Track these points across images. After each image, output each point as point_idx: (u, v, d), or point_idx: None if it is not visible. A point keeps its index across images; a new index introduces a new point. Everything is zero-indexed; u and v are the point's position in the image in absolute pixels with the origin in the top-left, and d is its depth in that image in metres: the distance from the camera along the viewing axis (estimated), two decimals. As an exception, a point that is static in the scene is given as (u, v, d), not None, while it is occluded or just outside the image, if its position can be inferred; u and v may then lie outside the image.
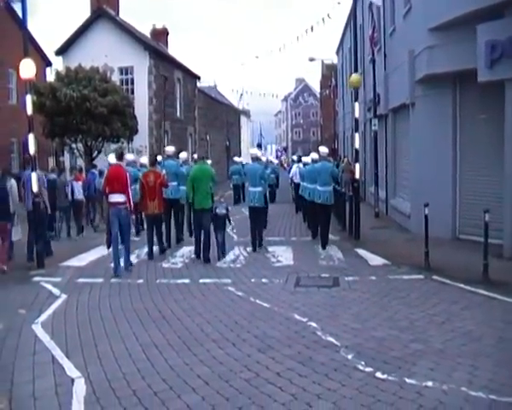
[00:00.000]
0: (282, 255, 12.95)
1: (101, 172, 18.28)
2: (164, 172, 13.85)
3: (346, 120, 37.33)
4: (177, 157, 16.74)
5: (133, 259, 12.76)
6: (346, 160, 30.67)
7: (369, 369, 5.93)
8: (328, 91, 51.29)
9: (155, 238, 13.50)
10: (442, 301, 8.80)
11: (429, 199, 13.57)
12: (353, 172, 26.10)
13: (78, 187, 17.34)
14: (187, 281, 10.46)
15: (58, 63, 29.25)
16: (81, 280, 10.75)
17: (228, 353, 6.50)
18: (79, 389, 5.58)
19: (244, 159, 36.82)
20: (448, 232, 14.36)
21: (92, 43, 28.77)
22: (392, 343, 6.77)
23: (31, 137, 11.87)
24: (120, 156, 12.39)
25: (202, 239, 12.65)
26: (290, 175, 25.04)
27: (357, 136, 15.54)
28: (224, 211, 13.16)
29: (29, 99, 11.93)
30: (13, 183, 12.58)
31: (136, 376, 5.86)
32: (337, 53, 44.31)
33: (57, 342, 7.01)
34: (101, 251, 13.90)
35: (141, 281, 10.56)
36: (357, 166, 15.49)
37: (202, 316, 8.05)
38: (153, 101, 29.79)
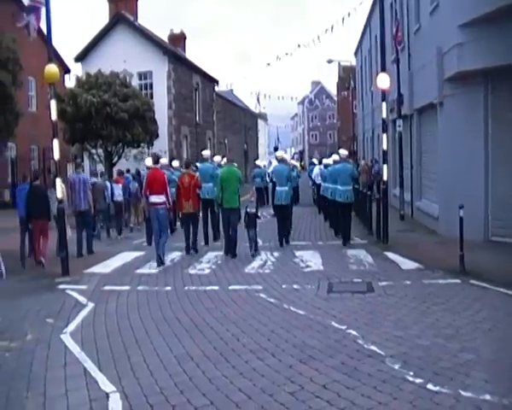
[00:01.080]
0: (311, 260, 12.62)
1: (133, 177, 19.75)
2: (197, 174, 14.86)
3: (366, 121, 36.94)
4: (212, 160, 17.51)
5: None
6: (363, 162, 30.55)
7: (419, 380, 5.58)
8: (346, 93, 50.86)
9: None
10: (484, 306, 8.43)
11: (459, 200, 13.14)
12: (370, 174, 26.41)
13: (118, 189, 18.24)
14: (216, 288, 10.15)
15: (76, 70, 29.24)
16: (107, 288, 10.49)
17: (268, 364, 6.17)
18: (115, 404, 5.28)
19: (265, 162, 36.66)
20: (480, 234, 13.95)
21: (111, 48, 28.66)
22: (440, 352, 6.40)
23: (55, 143, 11.66)
24: (157, 160, 13.71)
25: (230, 235, 13.54)
26: (312, 176, 25.30)
27: (384, 137, 15.12)
28: (253, 210, 13.73)
29: (53, 104, 11.72)
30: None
31: (174, 390, 5.55)
32: (355, 54, 43.92)
33: (88, 353, 6.73)
34: (125, 258, 13.72)
35: (169, 288, 10.26)
36: (385, 167, 15.07)
37: (236, 325, 7.73)
38: (172, 105, 29.58)
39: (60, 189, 11.77)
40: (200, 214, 15.36)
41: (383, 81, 14.56)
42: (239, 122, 53.06)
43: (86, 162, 28.75)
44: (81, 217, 14.38)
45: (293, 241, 15.64)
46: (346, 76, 53.50)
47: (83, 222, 14.43)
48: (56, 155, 11.74)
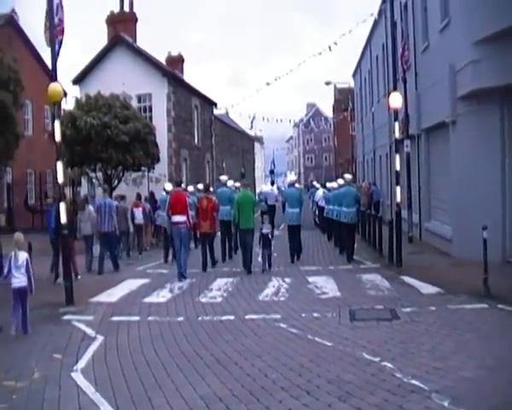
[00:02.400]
0: (326, 286, 12.09)
1: (145, 199, 21.18)
2: (214, 197, 16.13)
3: (366, 143, 36.59)
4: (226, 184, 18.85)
5: (166, 293, 12.09)
6: (363, 184, 30.27)
7: (475, 420, 5.05)
8: (346, 114, 50.67)
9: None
10: (520, 333, 7.94)
11: (475, 221, 12.80)
12: (369, 196, 26.28)
13: (139, 213, 19.32)
14: (232, 317, 9.57)
15: (73, 93, 28.68)
16: (115, 318, 9.89)
17: (305, 403, 5.59)
18: (141, 455, 4.72)
19: (264, 185, 36.50)
20: (497, 256, 13.43)
21: (109, 71, 28.10)
22: (487, 386, 5.90)
23: (59, 166, 11.06)
24: (179, 184, 15.57)
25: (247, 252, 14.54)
26: (316, 200, 25.55)
27: (397, 157, 14.66)
28: (268, 230, 14.99)
29: (57, 125, 11.10)
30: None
31: (205, 437, 4.98)
32: (353, 76, 43.71)
33: (103, 394, 6.10)
34: (130, 286, 13.11)
35: (181, 319, 9.66)
36: (398, 189, 14.58)
37: (261, 359, 7.14)
38: (172, 128, 29.06)
39: (63, 214, 11.17)
40: (219, 234, 16.70)
41: (395, 100, 14.15)
42: (236, 145, 52.64)
43: (85, 186, 28.21)
44: (104, 238, 15.59)
45: (303, 266, 15.32)
46: (344, 98, 53.33)
47: (105, 243, 15.59)
48: (60, 179, 11.15)
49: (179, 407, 5.67)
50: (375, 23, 29.15)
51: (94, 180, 24.45)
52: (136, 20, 31.09)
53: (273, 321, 9.16)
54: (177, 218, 13.58)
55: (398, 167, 14.73)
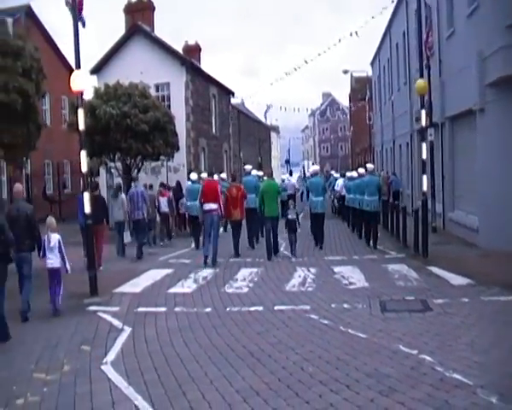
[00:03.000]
0: (353, 276, 11.86)
1: (169, 188, 21.53)
2: (243, 186, 16.65)
3: (385, 132, 36.15)
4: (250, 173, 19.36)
5: (191, 283, 11.91)
6: (382, 173, 29.97)
7: (526, 418, 4.82)
8: (363, 103, 50.11)
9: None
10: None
11: (503, 212, 12.56)
12: (388, 185, 26.05)
13: (164, 201, 19.74)
14: (260, 308, 9.37)
15: (92, 82, 28.46)
16: (141, 309, 9.73)
17: (345, 398, 5.40)
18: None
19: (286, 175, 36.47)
20: (526, 246, 13.14)
21: (127, 60, 27.91)
22: (534, 382, 5.64)
23: (83, 155, 10.88)
24: (210, 174, 17.11)
25: (273, 240, 14.91)
26: (337, 189, 25.54)
27: (424, 145, 14.35)
28: (294, 216, 15.25)
29: (81, 113, 10.89)
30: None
31: (246, 434, 4.79)
32: (371, 64, 43.19)
33: (136, 388, 5.92)
34: (154, 276, 12.92)
35: (209, 310, 9.48)
36: (425, 178, 14.29)
37: (295, 351, 6.94)
38: (190, 117, 28.86)
39: (87, 203, 11.02)
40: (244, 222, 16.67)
41: (422, 87, 13.82)
42: (253, 135, 52.37)
43: (103, 176, 28.10)
44: (136, 225, 16.48)
45: (326, 255, 15.14)
46: (361, 87, 52.74)
47: (137, 229, 16.49)
48: (84, 168, 10.98)
49: (216, 402, 5.47)
50: (396, 10, 28.70)
51: (113, 170, 24.27)
52: (153, 8, 30.91)
53: (303, 312, 8.96)
54: (210, 206, 14.29)
55: (424, 156, 14.43)
